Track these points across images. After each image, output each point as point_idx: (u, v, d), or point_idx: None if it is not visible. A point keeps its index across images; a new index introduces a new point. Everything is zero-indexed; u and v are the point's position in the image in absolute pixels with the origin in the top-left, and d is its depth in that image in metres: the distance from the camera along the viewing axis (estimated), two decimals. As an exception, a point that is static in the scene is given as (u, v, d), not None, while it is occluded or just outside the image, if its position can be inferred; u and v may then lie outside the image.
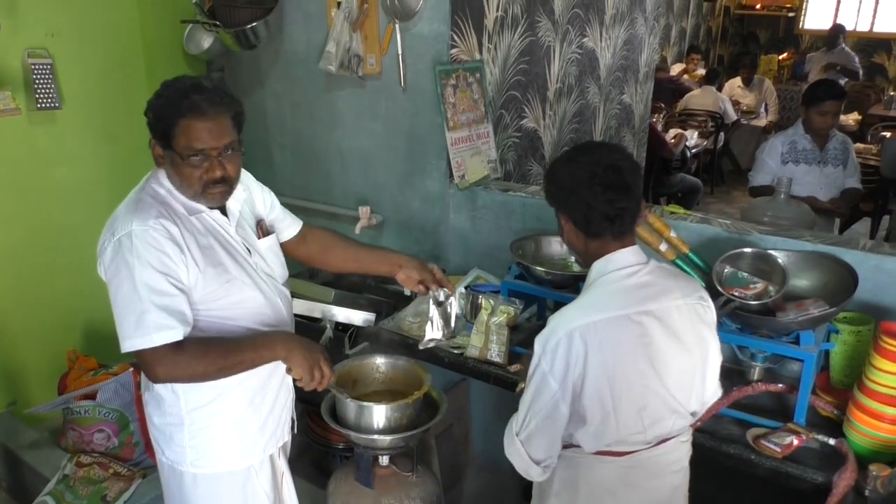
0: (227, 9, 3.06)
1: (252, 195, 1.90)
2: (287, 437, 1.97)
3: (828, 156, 3.36)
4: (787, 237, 2.21)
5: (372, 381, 2.12)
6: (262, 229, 1.89)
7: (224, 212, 1.75)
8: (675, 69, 8.26)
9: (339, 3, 2.85)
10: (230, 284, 1.68)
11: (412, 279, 2.01)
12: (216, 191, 1.67)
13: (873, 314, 2.04)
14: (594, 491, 1.65)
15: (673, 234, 2.17)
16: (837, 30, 7.82)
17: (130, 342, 1.55)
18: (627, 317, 1.51)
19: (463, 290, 2.58)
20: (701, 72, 8.03)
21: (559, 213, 1.63)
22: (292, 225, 2.04)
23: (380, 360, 2.12)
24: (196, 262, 1.62)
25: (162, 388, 1.74)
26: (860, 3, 9.34)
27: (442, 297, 2.05)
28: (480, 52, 2.89)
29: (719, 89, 7.48)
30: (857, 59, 7.87)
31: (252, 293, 1.73)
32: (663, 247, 2.09)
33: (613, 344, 1.50)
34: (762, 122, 7.49)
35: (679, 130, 6.00)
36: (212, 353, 1.60)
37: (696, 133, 6.43)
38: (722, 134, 7.06)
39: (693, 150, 6.15)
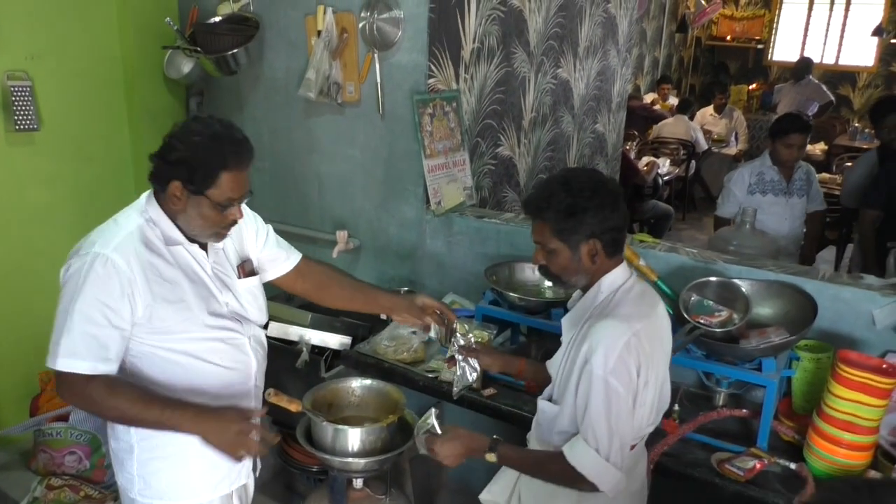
0: (209, 35, 3.11)
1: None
2: (245, 480, 1.90)
3: (793, 187, 3.47)
4: (752, 266, 2.29)
5: (347, 405, 2.14)
6: (244, 270, 1.85)
7: (204, 246, 1.75)
8: (648, 98, 8.46)
9: (319, 32, 2.91)
10: (189, 322, 1.67)
11: (409, 321, 2.03)
12: (227, 231, 1.72)
13: (832, 342, 2.12)
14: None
15: (642, 262, 2.24)
16: (804, 63, 8.05)
17: (48, 357, 1.58)
18: (651, 320, 1.63)
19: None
20: (673, 101, 8.22)
21: (583, 240, 1.61)
22: (288, 259, 2.02)
23: (355, 384, 2.15)
24: (152, 296, 1.61)
25: None
26: (826, 36, 9.65)
27: (462, 342, 2.02)
28: (457, 82, 2.96)
29: (691, 118, 7.67)
30: (825, 89, 8.10)
31: (213, 332, 1.72)
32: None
33: (653, 345, 1.61)
34: (732, 150, 7.68)
35: (651, 158, 6.13)
36: (117, 399, 1.58)
37: (668, 161, 6.58)
38: (693, 162, 7.22)
39: (665, 178, 6.28)
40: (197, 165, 1.59)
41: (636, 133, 7.00)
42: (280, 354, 2.55)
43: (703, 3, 9.63)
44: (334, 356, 2.67)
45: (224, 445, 1.63)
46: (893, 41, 8.79)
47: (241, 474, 1.87)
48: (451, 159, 2.90)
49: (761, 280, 2.22)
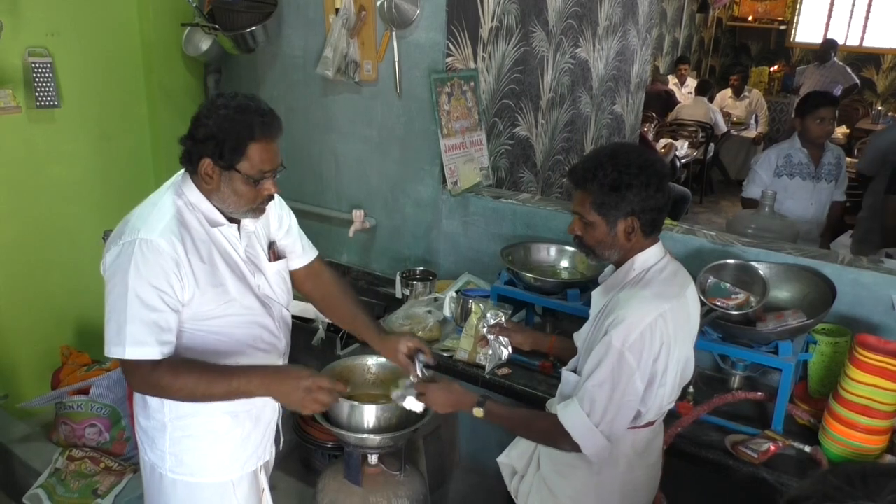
0: (227, 12, 3.10)
1: (269, 214, 1.84)
2: (269, 456, 1.95)
3: (822, 171, 3.39)
4: (770, 250, 2.27)
5: (363, 382, 2.16)
6: (274, 252, 1.86)
7: (238, 229, 1.75)
8: (670, 81, 8.35)
9: (337, 10, 2.90)
10: (228, 305, 1.68)
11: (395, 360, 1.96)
12: (265, 206, 1.71)
13: (850, 326, 2.11)
14: (631, 461, 1.72)
15: (659, 245, 2.22)
16: (829, 44, 7.90)
17: (109, 347, 1.58)
18: (679, 302, 1.63)
19: (454, 294, 2.64)
20: (691, 82, 8.12)
21: (621, 217, 1.61)
22: (304, 255, 1.98)
23: (371, 361, 2.16)
24: (196, 280, 1.62)
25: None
26: (851, 17, 9.46)
27: (493, 321, 2.11)
28: (475, 61, 2.94)
29: (711, 100, 7.59)
30: (850, 71, 7.95)
31: (248, 316, 1.73)
32: (649, 257, 2.14)
33: (679, 327, 1.61)
34: (752, 133, 7.59)
35: (669, 140, 6.08)
36: (184, 379, 1.59)
37: (687, 143, 6.51)
38: (712, 144, 7.14)
39: (683, 160, 6.23)
40: (225, 138, 1.57)
41: (654, 115, 6.94)
42: (297, 332, 2.56)
43: (726, -18, 9.49)
44: (350, 334, 2.68)
45: (295, 404, 1.65)
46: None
47: (267, 450, 1.91)
48: (468, 139, 2.89)
49: (780, 263, 2.20)
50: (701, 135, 6.89)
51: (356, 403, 1.94)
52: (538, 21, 3.28)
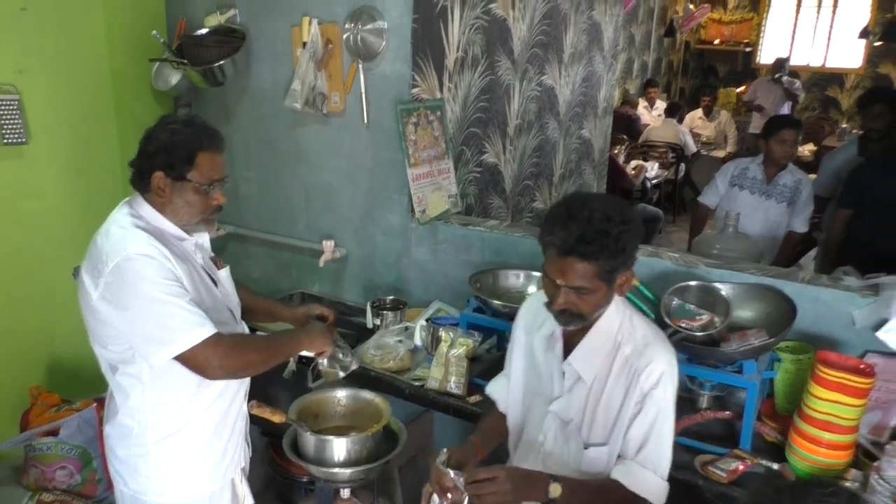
0: (195, 47, 3.13)
1: None
2: (244, 462, 2.03)
3: (774, 190, 3.48)
4: (733, 270, 2.31)
5: (333, 415, 2.15)
6: (218, 262, 1.94)
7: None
8: (640, 103, 8.50)
9: (304, 43, 2.93)
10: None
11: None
12: (214, 217, 1.82)
13: (814, 343, 2.14)
14: None
15: (624, 268, 2.25)
16: (781, 62, 8.17)
17: (175, 346, 1.62)
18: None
19: (424, 322, 2.64)
20: (661, 104, 8.27)
21: (620, 273, 1.54)
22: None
23: (341, 394, 2.16)
24: (186, 284, 1.70)
25: (129, 420, 1.78)
26: (813, 39, 9.71)
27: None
28: (441, 91, 2.98)
29: (680, 122, 7.73)
30: (797, 86, 8.18)
31: (223, 327, 1.76)
32: (614, 280, 2.17)
33: None
34: (722, 152, 7.73)
35: (639, 162, 6.17)
36: (251, 343, 1.79)
37: (657, 164, 6.61)
38: (683, 165, 7.26)
39: (653, 181, 6.32)
40: (175, 150, 1.68)
41: (626, 137, 7.04)
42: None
43: (691, 7, 9.71)
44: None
45: (320, 346, 1.94)
46: (877, 44, 8.84)
47: (243, 456, 2.01)
48: (435, 168, 2.92)
49: (742, 283, 2.24)
50: (671, 155, 7.01)
51: (324, 437, 1.93)
52: (503, 50, 3.33)
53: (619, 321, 1.62)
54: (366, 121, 2.91)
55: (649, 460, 1.56)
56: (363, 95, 2.88)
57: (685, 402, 2.26)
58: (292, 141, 3.18)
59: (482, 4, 3.11)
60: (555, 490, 1.50)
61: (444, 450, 1.63)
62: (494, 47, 3.26)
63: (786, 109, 7.90)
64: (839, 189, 3.59)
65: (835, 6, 9.52)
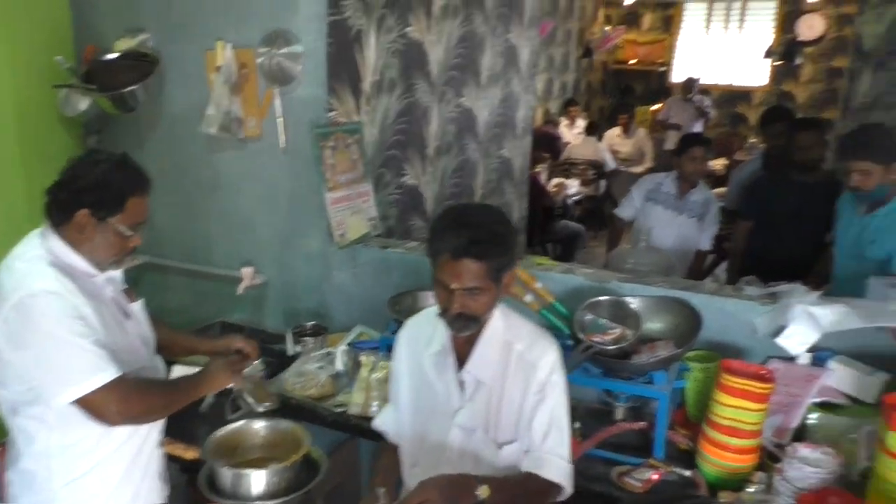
0: (105, 72, 3.04)
1: None
2: (161, 500, 1.96)
3: (685, 206, 3.63)
4: (643, 283, 2.39)
5: (251, 447, 2.09)
6: (130, 295, 1.88)
7: None
8: (562, 122, 8.72)
9: (218, 68, 2.89)
10: (116, 354, 1.67)
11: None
12: (128, 259, 1.80)
13: (720, 351, 2.23)
14: None
15: (539, 285, 2.31)
16: (689, 82, 8.56)
17: (74, 389, 1.56)
18: None
19: (345, 347, 2.63)
20: (581, 123, 8.51)
21: (507, 272, 1.66)
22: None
23: (258, 425, 2.11)
24: (93, 322, 1.64)
25: (34, 464, 1.70)
26: (722, 59, 10.19)
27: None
28: (359, 114, 2.99)
29: (599, 139, 7.96)
30: (707, 103, 8.60)
31: (137, 364, 1.74)
32: (528, 298, 2.22)
33: None
34: (640, 168, 7.99)
35: (561, 179, 6.32)
36: (152, 388, 1.73)
37: (578, 182, 6.78)
38: (603, 181, 7.47)
39: (574, 198, 6.47)
40: (106, 191, 1.65)
41: (548, 155, 7.20)
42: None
43: (607, 29, 10.06)
44: (240, 397, 2.61)
45: (221, 384, 1.87)
46: (777, 63, 9.34)
47: (157, 497, 1.94)
48: (354, 191, 2.92)
49: (651, 296, 2.31)
50: (591, 172, 7.20)
51: (238, 471, 1.88)
52: (420, 73, 3.37)
53: (504, 322, 1.73)
54: (283, 145, 2.89)
55: (555, 447, 1.69)
56: (279, 120, 2.86)
57: (602, 414, 2.31)
58: (209, 167, 3.13)
59: (398, 28, 3.14)
60: (483, 491, 1.57)
61: (381, 490, 1.72)
62: (411, 71, 3.30)
63: (698, 126, 8.27)
64: (744, 204, 3.76)
65: (741, 27, 10.02)
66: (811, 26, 9.27)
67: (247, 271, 3.04)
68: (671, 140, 7.96)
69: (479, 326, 1.69)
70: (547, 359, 1.70)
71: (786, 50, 8.44)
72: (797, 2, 9.21)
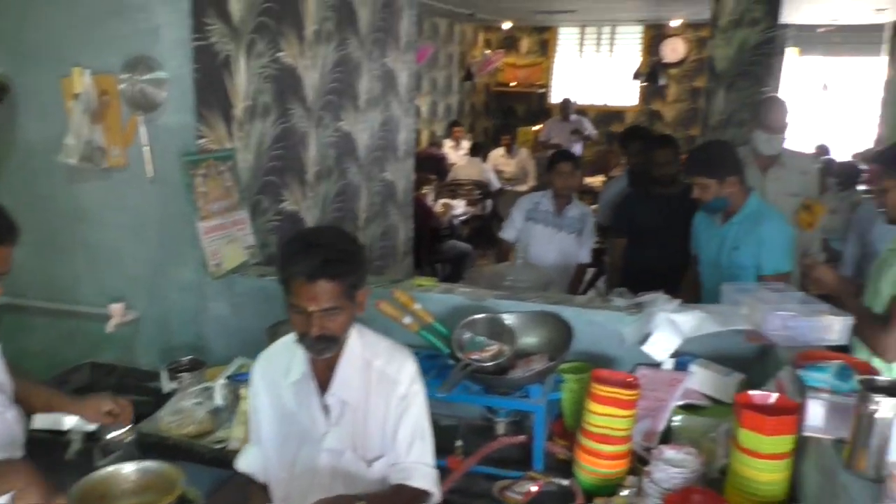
0: (-53, 103, 2.83)
1: None
2: None
3: (564, 222, 3.78)
4: (518, 299, 2.46)
5: (121, 494, 1.97)
6: None
7: None
8: (447, 144, 8.89)
9: (76, 95, 2.75)
10: None
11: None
12: None
13: (593, 362, 2.32)
14: None
15: (418, 306, 2.32)
16: (565, 103, 8.96)
17: None
18: None
19: (224, 380, 2.54)
20: (465, 144, 8.70)
21: (360, 290, 1.74)
22: None
23: (128, 469, 1.99)
24: None
25: None
26: (596, 80, 10.71)
27: None
28: (231, 141, 2.93)
29: (484, 160, 8.16)
30: (587, 123, 9.04)
31: None
32: (407, 320, 2.23)
33: None
34: (524, 187, 8.24)
35: (447, 200, 6.41)
36: None
37: (464, 202, 6.91)
38: (489, 201, 7.64)
39: (461, 218, 6.59)
40: None
41: (434, 177, 7.30)
42: (48, 447, 2.32)
43: (488, 53, 10.36)
44: (111, 440, 2.47)
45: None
46: (643, 84, 9.92)
47: None
48: (229, 219, 2.85)
49: (526, 311, 2.38)
50: (477, 192, 7.36)
51: (105, 519, 1.78)
52: (296, 98, 3.34)
53: (361, 340, 1.77)
54: (150, 174, 2.78)
55: (420, 456, 1.76)
56: (145, 148, 2.76)
57: (484, 430, 2.34)
58: (70, 199, 2.96)
59: (269, 53, 3.10)
60: None
61: None
62: (286, 96, 3.26)
63: (578, 145, 8.64)
64: (615, 221, 3.95)
65: (611, 51, 10.58)
66: (674, 49, 9.96)
67: (116, 308, 2.89)
68: (552, 159, 8.26)
69: (339, 347, 1.71)
70: (406, 372, 1.76)
71: (650, 72, 8.98)
72: (661, 27, 9.84)
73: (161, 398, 2.66)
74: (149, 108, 2.75)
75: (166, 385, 2.66)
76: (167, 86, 2.72)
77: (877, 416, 1.37)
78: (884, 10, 6.87)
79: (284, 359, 1.80)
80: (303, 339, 1.67)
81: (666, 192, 3.59)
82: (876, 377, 1.53)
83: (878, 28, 8.35)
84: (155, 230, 2.86)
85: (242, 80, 2.96)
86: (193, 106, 2.72)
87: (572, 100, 9.10)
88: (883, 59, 7.96)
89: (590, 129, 9.05)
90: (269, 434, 1.84)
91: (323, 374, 1.76)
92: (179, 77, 2.70)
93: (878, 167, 2.27)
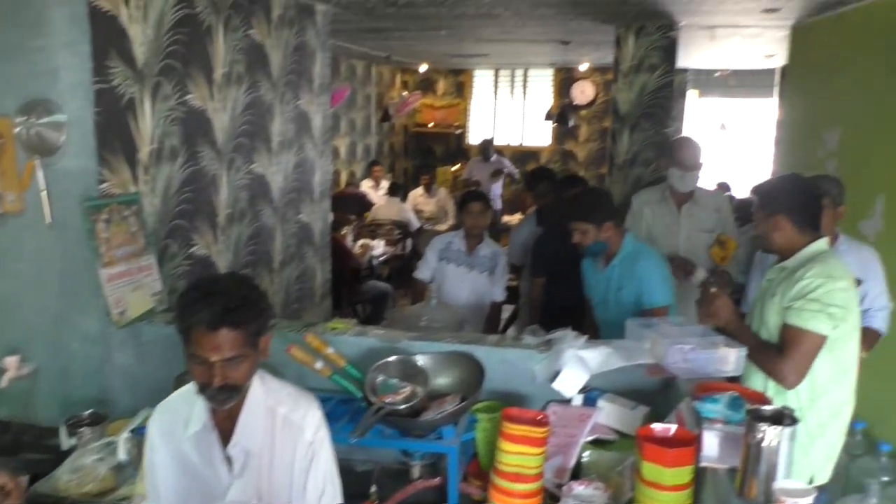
0: None
1: None
2: None
3: (476, 261, 3.83)
4: (431, 340, 2.47)
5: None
6: None
7: None
8: (365, 184, 8.91)
9: (-32, 139, 2.63)
10: None
11: None
12: None
13: (505, 400, 2.34)
14: None
15: (331, 350, 2.30)
16: (486, 143, 9.16)
17: None
18: None
19: (128, 434, 2.43)
20: (385, 184, 8.75)
21: (266, 332, 1.72)
22: None
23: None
24: None
25: None
26: (511, 121, 11.01)
27: None
28: (136, 185, 2.85)
29: (404, 199, 8.22)
30: (508, 163, 9.27)
31: None
32: (319, 364, 2.21)
33: None
34: (444, 226, 8.32)
35: (366, 241, 6.41)
36: None
37: (384, 242, 6.92)
38: (410, 240, 7.68)
39: (381, 258, 6.59)
40: None
41: (353, 217, 7.29)
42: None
43: (405, 94, 10.50)
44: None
45: None
46: (553, 125, 10.26)
47: None
48: (134, 265, 2.76)
49: (439, 352, 2.40)
50: (397, 232, 7.39)
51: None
52: (205, 141, 3.29)
53: (263, 387, 1.74)
54: (49, 220, 2.67)
55: (330, 501, 1.76)
56: (43, 193, 2.65)
57: (400, 474, 2.33)
58: (-39, 247, 2.80)
59: (176, 96, 3.06)
60: None
61: None
62: (194, 138, 3.21)
63: (498, 185, 8.82)
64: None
65: (524, 93, 10.92)
66: (583, 92, 10.38)
67: (11, 361, 2.73)
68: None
69: (242, 396, 1.68)
70: (311, 418, 1.74)
71: (560, 113, 9.31)
72: (571, 70, 10.25)
73: (60, 455, 2.52)
74: (47, 151, 2.66)
75: (65, 441, 2.52)
76: (66, 129, 2.64)
77: (763, 444, 1.44)
78: (773, 55, 7.38)
79: (183, 410, 1.75)
80: (204, 389, 1.63)
81: None
82: (762, 407, 1.61)
83: (770, 72, 8.95)
84: (55, 278, 2.74)
85: (148, 123, 2.90)
86: (95, 150, 2.64)
87: (492, 140, 9.30)
88: (775, 101, 8.52)
89: (510, 168, 9.26)
90: (168, 491, 1.77)
91: (224, 424, 1.71)
92: (80, 120, 2.63)
93: (755, 199, 2.43)
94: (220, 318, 1.56)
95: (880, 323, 2.85)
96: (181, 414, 1.76)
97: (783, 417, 1.51)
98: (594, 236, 2.91)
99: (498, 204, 8.56)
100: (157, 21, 2.91)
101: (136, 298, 2.75)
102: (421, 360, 2.30)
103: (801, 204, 2.25)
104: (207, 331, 1.56)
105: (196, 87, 3.18)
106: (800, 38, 5.14)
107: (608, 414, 2.25)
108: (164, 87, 2.97)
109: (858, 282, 2.41)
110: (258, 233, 3.83)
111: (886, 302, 2.87)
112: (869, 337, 2.74)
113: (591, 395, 2.32)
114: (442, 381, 2.32)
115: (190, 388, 1.71)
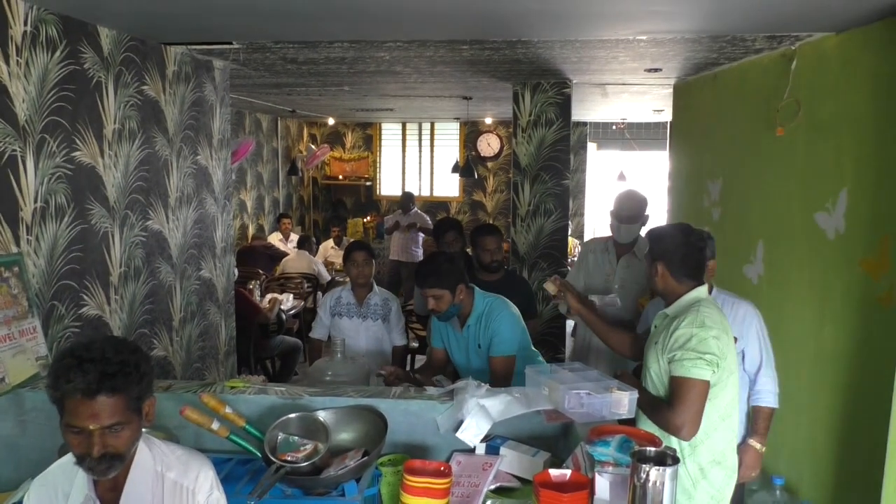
0: None
1: None
2: None
3: (367, 311, 3.84)
4: (334, 395, 2.44)
5: None
6: None
7: None
8: (274, 237, 8.78)
9: None
10: None
11: None
12: None
13: (410, 453, 2.34)
14: None
15: (228, 410, 2.23)
16: (407, 196, 9.21)
17: None
18: None
19: (6, 511, 2.26)
20: (294, 236, 8.65)
21: (149, 396, 1.67)
22: None
23: None
24: None
25: None
26: (420, 173, 11.17)
27: None
28: (18, 245, 2.72)
29: (314, 252, 8.13)
30: (428, 218, 9.34)
31: None
32: (215, 425, 2.14)
33: None
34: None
35: (274, 295, 6.28)
36: None
37: (293, 295, 6.80)
38: (320, 293, 7.57)
39: (290, 312, 6.46)
40: None
41: (261, 271, 7.15)
42: None
43: (313, 147, 10.50)
44: None
45: None
46: (459, 178, 10.47)
47: None
48: (15, 329, 2.61)
49: (342, 407, 2.37)
50: (307, 285, 7.28)
51: None
52: (95, 197, 3.18)
53: (150, 452, 1.68)
54: (-81, 284, 2.50)
55: None
56: (-86, 256, 2.49)
57: (303, 536, 2.26)
58: None
59: (63, 153, 2.96)
60: None
61: None
62: (83, 195, 3.10)
63: (420, 236, 8.81)
64: None
65: (432, 146, 11.13)
66: (489, 144, 10.70)
67: None
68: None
69: (126, 464, 1.61)
70: (203, 481, 1.70)
71: (465, 166, 9.52)
72: (476, 123, 10.55)
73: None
74: (-81, 211, 2.51)
75: (-69, 526, 2.32)
76: (-58, 188, 2.50)
77: (648, 485, 1.49)
78: (661, 110, 7.86)
79: (63, 483, 1.65)
80: (83, 460, 1.54)
81: (493, 279, 3.76)
82: (646, 448, 1.67)
83: (662, 125, 9.50)
84: (-76, 346, 2.55)
85: (31, 181, 2.79)
86: (-27, 209, 2.52)
87: (412, 194, 9.34)
88: (666, 153, 9.04)
89: (427, 221, 9.28)
90: None
91: (108, 496, 1.63)
92: (-44, 178, 2.50)
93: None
94: (96, 385, 1.49)
95: (770, 398, 2.77)
96: (61, 487, 1.66)
97: (666, 458, 1.57)
98: (449, 300, 2.99)
99: (420, 255, 8.60)
100: (40, 77, 2.82)
101: (17, 364, 2.59)
102: (322, 416, 2.26)
103: (681, 254, 2.35)
104: (84, 399, 1.50)
105: (85, 143, 3.09)
106: (682, 95, 5.50)
107: (510, 461, 2.28)
108: (49, 144, 2.87)
109: (735, 339, 2.43)
110: (156, 290, 3.71)
111: (769, 371, 2.78)
112: (763, 416, 2.75)
113: (493, 443, 2.33)
114: (345, 435, 2.29)
115: (70, 458, 1.62)
